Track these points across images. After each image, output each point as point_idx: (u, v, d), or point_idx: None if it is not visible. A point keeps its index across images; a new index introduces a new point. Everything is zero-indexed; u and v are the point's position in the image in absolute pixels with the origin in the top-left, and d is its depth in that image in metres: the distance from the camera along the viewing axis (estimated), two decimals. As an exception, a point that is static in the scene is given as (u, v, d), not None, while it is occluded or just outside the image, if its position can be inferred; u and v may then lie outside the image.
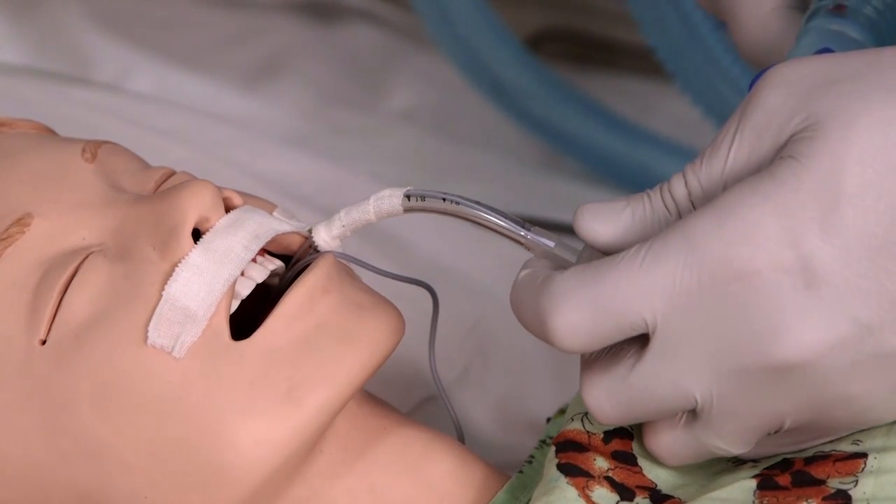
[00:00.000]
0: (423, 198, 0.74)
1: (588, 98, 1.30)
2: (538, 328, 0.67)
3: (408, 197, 0.74)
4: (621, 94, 1.36)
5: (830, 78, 0.65)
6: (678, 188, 0.67)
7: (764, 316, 0.63)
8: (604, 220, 0.68)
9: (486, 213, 0.73)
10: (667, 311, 0.64)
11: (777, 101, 0.65)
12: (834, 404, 0.65)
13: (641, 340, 0.66)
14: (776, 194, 0.63)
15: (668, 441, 0.69)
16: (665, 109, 1.37)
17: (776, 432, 0.67)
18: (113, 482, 0.71)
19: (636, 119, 1.31)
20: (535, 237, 0.71)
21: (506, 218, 0.72)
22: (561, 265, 0.70)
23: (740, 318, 0.63)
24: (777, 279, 0.63)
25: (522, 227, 0.72)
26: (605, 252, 0.68)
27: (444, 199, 0.74)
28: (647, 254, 0.65)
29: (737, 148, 0.66)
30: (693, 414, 0.67)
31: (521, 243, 0.72)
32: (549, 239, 0.71)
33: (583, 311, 0.65)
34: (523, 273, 0.69)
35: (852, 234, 0.62)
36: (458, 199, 0.73)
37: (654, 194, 0.68)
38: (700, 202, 0.66)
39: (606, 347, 0.67)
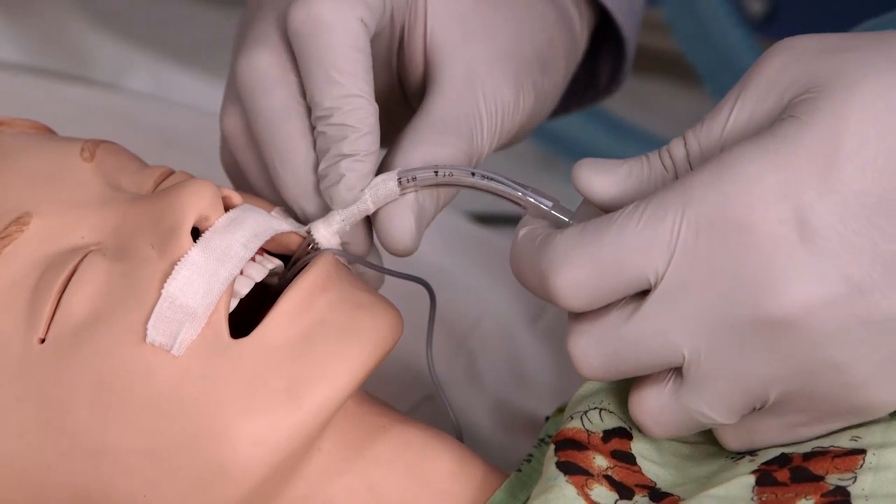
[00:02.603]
0: (414, 177, 0.75)
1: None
2: (539, 287, 0.68)
3: (399, 180, 0.75)
4: (621, 93, 1.37)
5: (835, 48, 0.66)
6: (677, 149, 0.68)
7: (758, 268, 0.64)
8: (602, 173, 0.69)
9: (481, 177, 0.73)
10: (666, 264, 0.65)
11: (781, 66, 0.66)
12: (821, 371, 0.65)
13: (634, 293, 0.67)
14: (776, 150, 0.64)
15: (655, 409, 0.69)
16: (665, 109, 1.37)
17: (762, 407, 0.67)
18: (111, 481, 0.71)
19: (636, 119, 1.31)
20: (534, 196, 0.72)
21: (502, 179, 0.73)
22: (558, 226, 0.71)
23: (735, 269, 0.64)
24: (773, 231, 0.63)
25: (520, 188, 0.72)
26: (601, 207, 0.69)
27: (436, 173, 0.75)
28: (646, 209, 0.65)
29: (738, 110, 0.67)
30: (679, 377, 0.68)
31: (518, 204, 0.73)
32: (547, 199, 0.72)
33: (584, 268, 0.66)
34: (522, 231, 0.70)
35: (850, 190, 0.63)
36: (451, 170, 0.74)
37: (653, 156, 0.69)
38: (698, 162, 0.67)
39: None
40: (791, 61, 0.66)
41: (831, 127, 0.63)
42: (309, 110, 0.76)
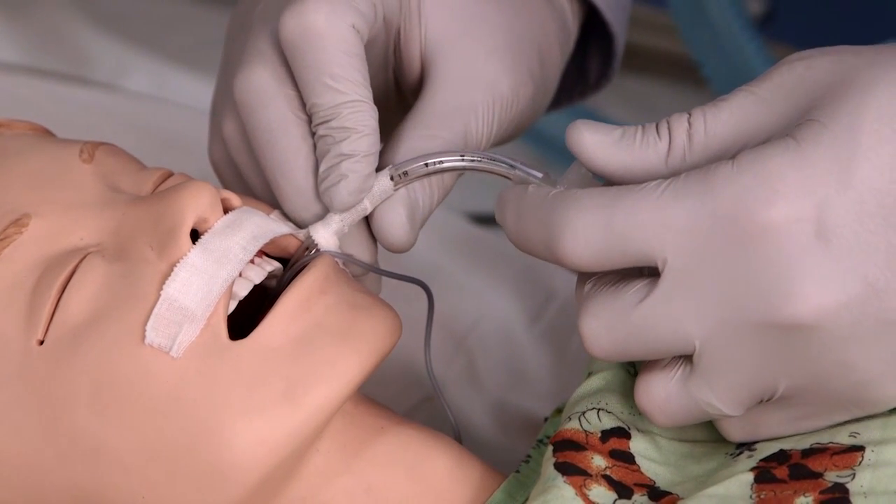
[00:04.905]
0: (405, 171, 0.76)
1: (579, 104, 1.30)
2: (545, 240, 0.68)
3: (391, 177, 0.76)
4: (620, 94, 1.37)
5: (851, 54, 0.67)
6: (678, 124, 0.69)
7: (773, 267, 0.64)
8: (594, 133, 0.69)
9: (470, 160, 0.75)
10: (678, 247, 0.65)
11: (800, 73, 0.67)
12: (832, 369, 0.65)
13: (648, 276, 0.67)
14: (797, 148, 0.64)
15: (662, 397, 0.69)
16: (664, 110, 1.37)
17: (769, 400, 0.67)
18: (110, 482, 0.71)
19: (635, 120, 1.31)
20: (524, 169, 0.73)
21: (492, 156, 0.74)
22: None
23: (751, 266, 0.64)
24: (790, 227, 0.64)
25: (510, 163, 0.74)
26: (588, 167, 0.70)
27: (426, 164, 0.76)
28: (667, 190, 0.66)
29: (752, 105, 0.67)
30: (689, 366, 0.68)
31: (509, 178, 0.74)
32: (537, 171, 0.73)
33: (597, 227, 0.66)
34: (531, 188, 0.70)
35: (867, 188, 0.64)
36: (441, 159, 0.75)
37: (650, 126, 0.69)
38: (700, 141, 0.68)
39: (610, 280, 0.68)
40: (810, 69, 0.67)
41: (848, 126, 0.64)
42: (307, 121, 0.77)
